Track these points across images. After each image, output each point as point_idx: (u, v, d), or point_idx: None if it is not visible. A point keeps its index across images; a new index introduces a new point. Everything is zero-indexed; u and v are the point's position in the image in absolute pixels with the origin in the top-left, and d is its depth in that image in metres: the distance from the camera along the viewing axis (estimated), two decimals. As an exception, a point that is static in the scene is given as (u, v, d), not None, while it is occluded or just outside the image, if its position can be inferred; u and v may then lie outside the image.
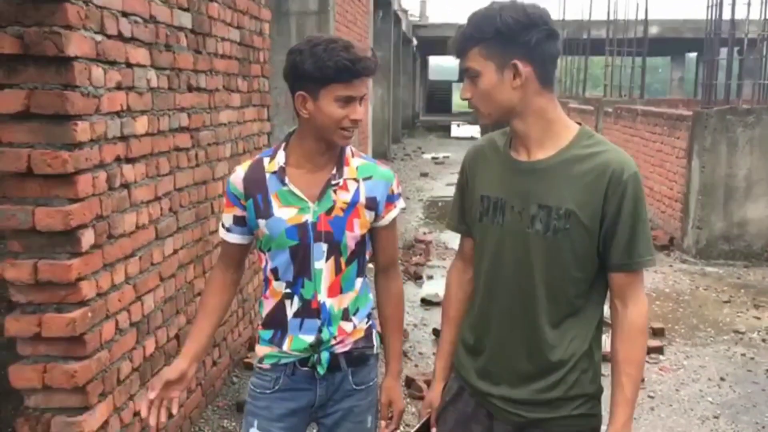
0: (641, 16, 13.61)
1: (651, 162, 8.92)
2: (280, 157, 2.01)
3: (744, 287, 6.51)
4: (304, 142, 1.99)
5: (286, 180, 1.98)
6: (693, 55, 32.25)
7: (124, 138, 2.78)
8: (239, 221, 2.06)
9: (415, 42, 27.64)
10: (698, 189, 7.30)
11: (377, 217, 2.05)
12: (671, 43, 25.76)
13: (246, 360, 4.47)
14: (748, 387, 4.34)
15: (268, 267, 2.05)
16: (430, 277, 6.89)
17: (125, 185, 2.81)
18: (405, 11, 22.82)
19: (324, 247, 1.99)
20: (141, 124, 2.93)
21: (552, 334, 1.78)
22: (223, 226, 2.09)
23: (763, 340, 5.14)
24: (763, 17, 7.32)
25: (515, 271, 1.79)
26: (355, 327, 2.08)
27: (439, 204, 11.20)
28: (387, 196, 2.05)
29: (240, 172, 2.05)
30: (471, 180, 1.93)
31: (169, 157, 3.24)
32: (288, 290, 2.04)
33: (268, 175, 2.01)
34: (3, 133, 2.37)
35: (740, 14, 7.29)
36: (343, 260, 2.02)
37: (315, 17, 7.77)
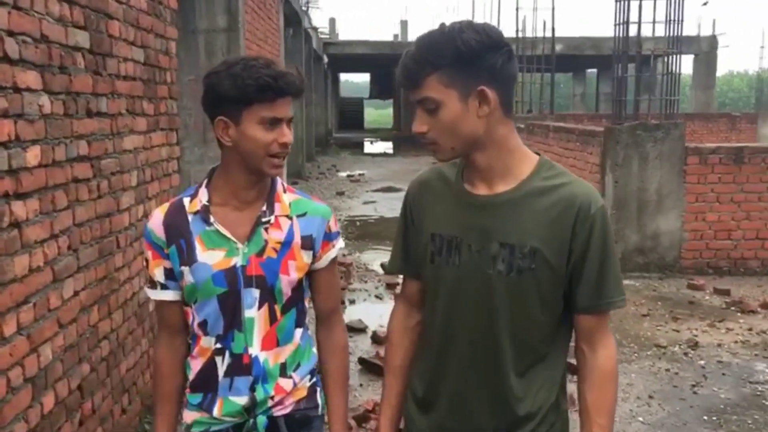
0: (548, 34, 13.94)
1: (565, 177, 9.03)
2: (203, 195, 1.79)
3: (660, 299, 6.62)
4: (229, 176, 1.79)
5: (211, 219, 1.76)
6: (592, 71, 33.54)
7: (12, 171, 2.47)
8: (170, 274, 1.81)
9: (326, 59, 27.53)
10: (612, 203, 7.42)
11: (314, 258, 1.85)
12: (573, 60, 26.64)
13: (159, 403, 4.14)
14: (676, 404, 4.34)
15: (195, 321, 1.82)
16: (352, 302, 6.69)
17: (15, 224, 2.50)
18: (315, 29, 22.67)
19: (256, 293, 1.77)
20: (32, 155, 2.62)
21: (518, 384, 1.62)
22: (154, 285, 1.84)
23: (685, 354, 5.20)
24: (666, 34, 7.53)
25: (476, 316, 1.62)
26: (295, 385, 1.86)
27: (358, 223, 11.04)
28: (324, 234, 1.86)
29: (158, 216, 1.82)
30: (418, 217, 1.74)
31: (66, 189, 2.93)
32: (218, 345, 1.80)
33: (190, 217, 1.78)
34: None
35: (644, 32, 7.49)
36: (278, 308, 1.81)
37: (224, 35, 7.49)
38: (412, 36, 37.13)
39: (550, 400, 1.64)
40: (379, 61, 31.84)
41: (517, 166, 1.60)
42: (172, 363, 1.88)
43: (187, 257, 1.77)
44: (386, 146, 31.65)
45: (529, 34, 14.93)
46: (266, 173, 1.76)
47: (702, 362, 5.01)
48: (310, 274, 1.88)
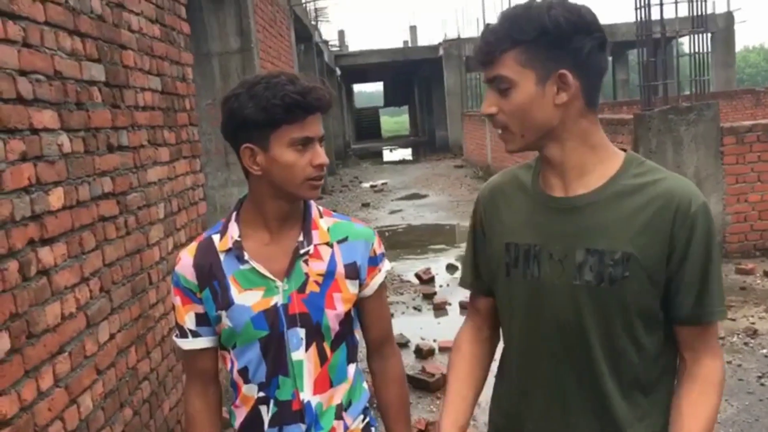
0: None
1: (595, 169, 8.81)
2: (233, 230, 1.65)
3: (709, 287, 6.37)
4: (260, 207, 1.64)
5: (246, 256, 1.61)
6: (634, 55, 33.07)
7: (36, 217, 2.35)
8: (203, 320, 1.67)
9: (338, 72, 27.49)
10: (649, 192, 7.17)
11: (361, 287, 1.70)
12: (610, 46, 26.32)
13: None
14: (744, 399, 4.11)
15: (235, 368, 1.67)
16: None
17: (43, 272, 2.37)
18: (326, 42, 22.65)
19: (301, 333, 1.63)
20: (56, 198, 2.50)
21: (624, 412, 1.43)
22: (183, 333, 1.70)
23: (745, 344, 4.96)
24: (689, 14, 7.31)
25: (562, 336, 1.44)
26: (347, 428, 1.71)
27: (387, 234, 10.88)
28: (369, 259, 1.71)
29: (186, 259, 1.68)
30: (489, 225, 1.59)
31: (93, 229, 2.81)
32: (261, 393, 1.66)
33: (222, 256, 1.64)
34: None
35: (668, 14, 7.26)
36: (327, 346, 1.66)
37: (238, 56, 7.41)
38: (422, 41, 37.06)
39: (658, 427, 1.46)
40: (391, 68, 31.79)
41: (600, 164, 1.43)
42: (207, 415, 1.74)
43: (222, 300, 1.63)
44: (405, 153, 31.53)
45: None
46: (305, 198, 1.63)
47: (764, 351, 4.77)
48: (358, 303, 1.73)
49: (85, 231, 2.74)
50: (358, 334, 1.80)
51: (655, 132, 7.06)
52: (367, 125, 46.82)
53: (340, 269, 1.66)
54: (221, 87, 7.43)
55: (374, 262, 1.73)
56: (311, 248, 1.65)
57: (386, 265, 1.79)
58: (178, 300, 1.69)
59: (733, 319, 5.47)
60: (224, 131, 1.61)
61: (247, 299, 1.62)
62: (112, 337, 2.91)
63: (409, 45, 35.24)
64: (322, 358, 1.66)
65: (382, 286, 1.78)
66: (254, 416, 1.67)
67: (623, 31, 24.48)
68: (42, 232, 2.38)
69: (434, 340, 5.55)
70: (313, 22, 18.07)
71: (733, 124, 7.42)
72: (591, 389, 1.43)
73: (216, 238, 1.68)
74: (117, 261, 3.04)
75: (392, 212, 12.99)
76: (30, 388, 2.22)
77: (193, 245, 1.71)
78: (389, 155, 31.44)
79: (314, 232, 1.67)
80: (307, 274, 1.63)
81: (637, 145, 7.32)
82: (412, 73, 36.74)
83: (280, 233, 1.65)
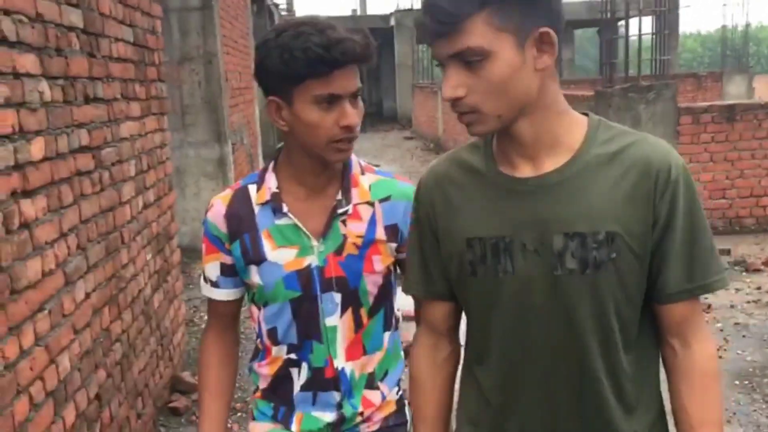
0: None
1: (551, 144, 8.93)
2: (271, 181, 1.54)
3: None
4: (294, 160, 1.53)
5: (285, 209, 1.51)
6: (579, 33, 33.43)
7: (19, 167, 2.22)
8: (228, 270, 1.58)
9: (288, 37, 27.04)
10: (606, 168, 7.31)
11: (401, 248, 1.58)
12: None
13: (171, 405, 3.92)
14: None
15: (263, 328, 1.59)
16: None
17: (25, 225, 2.25)
18: (276, 5, 22.19)
19: (337, 297, 1.53)
20: (37, 148, 2.36)
21: (620, 414, 1.30)
22: (207, 280, 1.62)
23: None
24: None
25: (549, 335, 1.27)
26: (384, 398, 1.63)
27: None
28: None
29: (219, 206, 1.57)
30: (441, 220, 1.35)
31: (71, 183, 2.68)
32: (293, 356, 1.58)
33: (257, 209, 1.54)
34: None
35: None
36: (364, 311, 1.56)
37: (198, 13, 7.17)
38: (372, 10, 36.64)
39: (656, 411, 1.36)
40: (341, 36, 31.40)
41: (567, 133, 1.25)
42: (221, 356, 1.66)
43: (254, 255, 1.53)
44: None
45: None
46: (330, 161, 1.50)
47: (719, 325, 4.93)
48: (398, 263, 1.62)
49: (63, 185, 2.61)
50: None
51: (615, 109, 7.16)
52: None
53: (380, 231, 1.55)
54: (179, 45, 7.19)
55: None
56: (350, 208, 1.53)
57: None
58: (204, 247, 1.61)
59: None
60: (256, 79, 1.50)
61: (280, 257, 1.52)
62: (87, 296, 2.80)
63: (358, 13, 34.83)
64: (358, 324, 1.57)
65: None
66: (284, 376, 1.59)
67: (571, 10, 24.72)
68: (24, 184, 2.25)
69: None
70: (265, -16, 17.64)
71: (691, 104, 7.60)
72: (586, 389, 1.28)
73: (252, 188, 1.57)
74: (92, 218, 2.91)
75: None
76: (13, 345, 2.12)
77: (227, 193, 1.60)
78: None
79: (354, 191, 1.55)
80: (345, 235, 1.53)
81: (596, 122, 7.43)
82: (361, 42, 36.34)
83: (317, 189, 1.55)
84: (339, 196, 1.53)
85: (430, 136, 18.59)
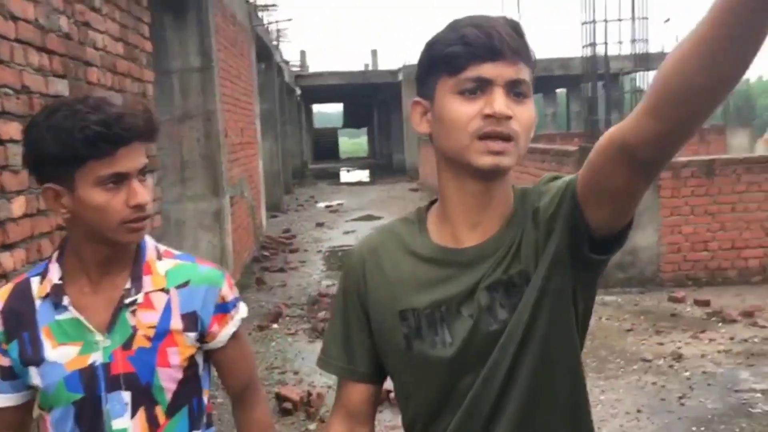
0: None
1: (542, 197, 9.17)
2: (54, 273, 1.43)
3: (643, 313, 6.70)
4: (79, 249, 1.42)
5: (65, 301, 1.40)
6: (562, 90, 34.04)
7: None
8: (6, 373, 1.43)
9: (298, 91, 27.70)
10: (590, 221, 7.52)
11: (204, 338, 1.48)
12: (543, 80, 27.04)
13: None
14: (665, 417, 4.39)
15: None
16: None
17: (3, 275, 2.51)
18: (287, 62, 22.86)
19: (126, 396, 1.41)
20: (18, 206, 2.64)
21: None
22: None
23: (670, 366, 5.26)
24: (632, 52, 7.73)
25: (489, 381, 1.24)
26: None
27: (339, 254, 11.06)
28: (215, 307, 1.49)
29: None
30: (372, 292, 1.33)
31: (51, 238, 2.94)
32: None
33: (38, 303, 1.43)
34: None
35: (612, 51, 7.69)
36: (160, 410, 1.44)
37: (198, 74, 7.55)
38: (383, 65, 37.54)
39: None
40: (351, 90, 32.11)
41: (507, 200, 1.29)
42: None
43: (33, 355, 1.40)
44: (362, 175, 31.79)
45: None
46: (124, 243, 1.40)
47: (687, 374, 5.07)
48: (208, 353, 1.53)
49: (44, 239, 2.87)
50: (207, 395, 1.57)
51: (597, 164, 7.42)
52: (325, 146, 47.03)
53: (176, 320, 1.44)
54: (181, 104, 7.56)
55: (224, 308, 1.51)
56: (140, 297, 1.42)
57: (241, 311, 1.57)
58: None
59: (662, 344, 5.78)
60: (25, 166, 1.43)
61: (61, 356, 1.39)
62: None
63: (370, 68, 35.69)
64: (153, 425, 1.43)
65: (237, 336, 1.55)
66: None
67: (578, 65, 25.22)
68: (3, 238, 2.52)
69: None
70: (274, 42, 18.26)
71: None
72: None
73: (35, 281, 1.44)
74: (73, 268, 3.16)
75: (346, 233, 13.16)
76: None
77: (8, 287, 1.47)
78: (346, 176, 31.67)
79: (146, 278, 1.44)
80: (134, 327, 1.41)
81: (580, 176, 7.69)
82: (371, 96, 37.15)
83: (104, 280, 1.43)
84: (128, 285, 1.43)
85: (435, 188, 18.85)
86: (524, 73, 1.19)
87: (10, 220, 2.57)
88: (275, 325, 6.77)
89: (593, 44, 7.32)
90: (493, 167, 1.17)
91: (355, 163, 42.14)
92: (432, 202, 1.38)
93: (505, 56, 1.16)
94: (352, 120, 49.04)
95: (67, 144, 1.29)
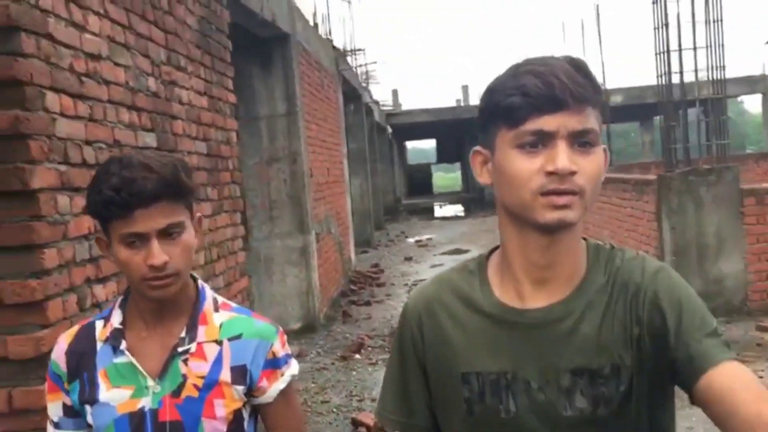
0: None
1: (624, 227, 9.10)
2: (116, 317, 1.50)
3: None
4: (135, 296, 1.50)
5: (122, 346, 1.46)
6: (659, 118, 33.27)
7: (93, 259, 2.88)
8: (69, 412, 1.51)
9: (389, 129, 28.33)
10: (671, 250, 7.44)
11: (252, 392, 1.51)
12: (637, 109, 26.57)
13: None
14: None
15: None
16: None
17: (97, 305, 2.89)
18: (376, 102, 23.50)
19: None
20: (110, 244, 3.03)
21: None
22: (50, 421, 1.54)
23: (749, 396, 5.17)
24: (709, 78, 7.68)
25: None
26: None
27: (425, 287, 11.28)
28: (266, 362, 1.51)
29: (62, 344, 1.53)
30: (432, 350, 1.26)
31: (140, 272, 3.34)
32: None
33: (99, 345, 1.50)
34: (-26, 266, 2.47)
35: (692, 77, 7.66)
36: None
37: (284, 119, 8.05)
38: (474, 100, 37.81)
39: None
40: (442, 126, 32.50)
41: (579, 259, 1.20)
42: None
43: (89, 395, 1.47)
44: (457, 209, 31.93)
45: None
46: (150, 298, 1.45)
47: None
48: (257, 408, 1.55)
49: (133, 273, 3.26)
50: None
51: (676, 192, 7.36)
52: (419, 181, 47.62)
53: (226, 373, 1.47)
54: (268, 147, 8.06)
55: (274, 364, 1.52)
56: (193, 346, 1.46)
57: (292, 369, 1.56)
58: (46, 386, 1.54)
59: (744, 374, 5.67)
60: None
61: (114, 397, 1.45)
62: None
63: (462, 103, 36.06)
64: None
65: (287, 392, 1.55)
66: None
67: (643, 95, 24.69)
68: (97, 272, 2.91)
69: None
70: (363, 84, 18.90)
71: (754, 186, 7.68)
72: None
73: (99, 324, 1.52)
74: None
75: (433, 266, 13.37)
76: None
77: (74, 329, 1.56)
78: (440, 211, 31.92)
79: (201, 328, 1.48)
80: (185, 375, 1.45)
81: (660, 205, 7.63)
82: (464, 131, 37.37)
83: (160, 326, 1.48)
84: (183, 334, 1.47)
85: (525, 221, 18.82)
86: (590, 121, 1.11)
87: (102, 256, 2.96)
88: (357, 356, 7.04)
89: (668, 73, 7.32)
90: (558, 223, 1.10)
91: (449, 197, 42.35)
92: (493, 250, 1.29)
93: (568, 106, 1.08)
94: (445, 155, 49.39)
95: (91, 204, 1.43)
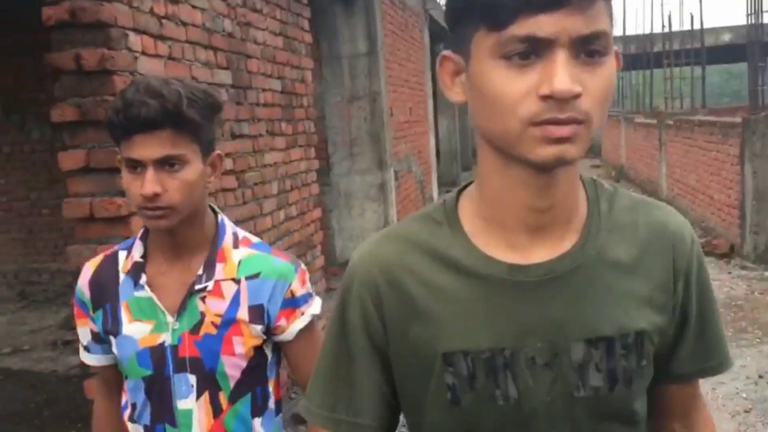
0: (701, 26, 13.57)
1: (709, 171, 8.93)
2: (137, 249, 1.48)
3: (802, 290, 6.48)
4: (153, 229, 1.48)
5: (142, 281, 1.45)
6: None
7: (172, 183, 3.25)
8: (96, 337, 1.54)
9: (482, 70, 27.99)
10: (753, 194, 7.31)
11: (271, 330, 1.48)
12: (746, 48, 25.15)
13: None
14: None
15: (128, 401, 1.52)
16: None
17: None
18: (468, 41, 23.22)
19: (191, 379, 1.43)
20: (187, 170, 3.41)
21: None
22: (81, 345, 1.59)
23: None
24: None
25: None
26: None
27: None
28: (284, 301, 1.47)
29: (86, 272, 1.53)
30: (399, 328, 0.96)
31: (215, 196, 3.71)
32: None
33: (122, 277, 1.48)
34: (70, 185, 2.88)
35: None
36: (223, 396, 1.45)
37: (365, 59, 8.26)
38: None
39: None
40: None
41: (576, 198, 0.95)
42: (111, 417, 1.60)
43: (112, 326, 1.47)
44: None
45: (679, 27, 14.60)
46: (151, 228, 1.43)
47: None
48: (278, 344, 1.53)
49: (209, 198, 3.63)
50: (274, 385, 1.56)
51: (760, 136, 7.18)
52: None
53: (243, 311, 1.44)
54: (349, 86, 8.32)
55: (294, 303, 1.49)
56: (210, 284, 1.43)
57: (313, 307, 1.53)
58: (75, 310, 1.55)
59: (811, 318, 5.63)
60: None
61: (136, 331, 1.44)
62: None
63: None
64: (217, 409, 1.45)
65: (308, 330, 1.52)
66: None
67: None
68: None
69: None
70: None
71: None
72: None
73: (122, 255, 1.50)
74: (235, 223, 3.93)
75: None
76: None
77: (97, 259, 1.55)
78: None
79: (219, 266, 1.45)
80: (203, 313, 1.43)
81: (743, 148, 7.47)
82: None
83: (179, 261, 1.46)
84: (201, 271, 1.44)
85: (614, 164, 18.49)
86: (601, 20, 0.81)
87: (181, 181, 3.34)
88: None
89: (757, 12, 7.05)
90: (555, 161, 0.82)
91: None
92: (460, 191, 1.00)
93: (570, 1, 0.78)
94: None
95: (105, 122, 1.41)
